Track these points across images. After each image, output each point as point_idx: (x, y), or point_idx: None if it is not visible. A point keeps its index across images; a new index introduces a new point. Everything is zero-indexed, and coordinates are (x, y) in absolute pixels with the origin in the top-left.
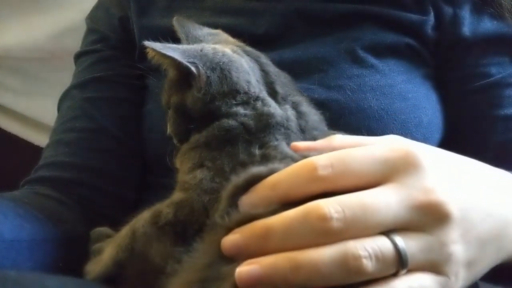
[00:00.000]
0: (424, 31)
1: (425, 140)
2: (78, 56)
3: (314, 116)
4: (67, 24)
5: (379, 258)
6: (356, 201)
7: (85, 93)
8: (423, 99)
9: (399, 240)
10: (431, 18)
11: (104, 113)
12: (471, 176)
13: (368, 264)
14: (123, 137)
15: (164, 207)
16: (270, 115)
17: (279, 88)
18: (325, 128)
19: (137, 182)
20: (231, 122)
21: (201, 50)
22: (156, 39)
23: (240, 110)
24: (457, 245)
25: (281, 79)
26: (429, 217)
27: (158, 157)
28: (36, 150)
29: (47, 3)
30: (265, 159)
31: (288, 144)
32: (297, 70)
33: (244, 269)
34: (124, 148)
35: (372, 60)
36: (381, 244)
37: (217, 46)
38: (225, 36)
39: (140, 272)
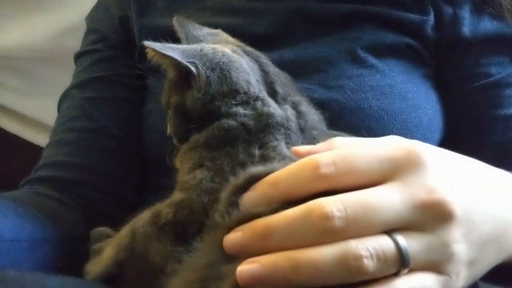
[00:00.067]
0: (424, 31)
1: (425, 140)
2: (78, 56)
3: (313, 115)
4: (67, 24)
5: (380, 258)
6: (358, 200)
7: (85, 93)
8: (423, 99)
9: (401, 239)
10: (431, 18)
11: (104, 113)
12: (472, 176)
13: (369, 264)
14: (123, 137)
15: (164, 207)
16: (270, 115)
17: (279, 88)
18: (325, 128)
19: (137, 182)
20: (231, 122)
21: (201, 50)
22: (156, 39)
23: (240, 110)
24: (459, 245)
25: (281, 79)
26: (432, 216)
27: (158, 157)
28: (36, 150)
29: (47, 3)
30: (264, 159)
31: (288, 144)
32: (297, 70)
33: (245, 268)
34: (124, 148)
35: (372, 60)
36: (383, 244)
37: (217, 46)
38: (225, 36)
39: (140, 272)
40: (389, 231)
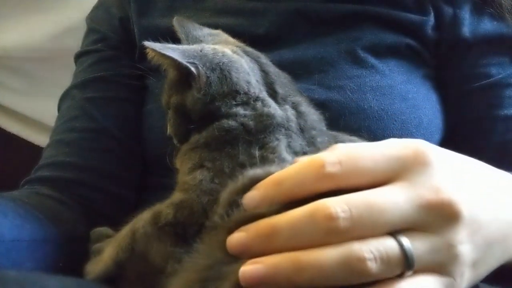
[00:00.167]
0: (424, 32)
1: (425, 140)
2: (78, 56)
3: (313, 115)
4: (67, 24)
5: (384, 260)
6: (364, 200)
7: (85, 93)
8: (423, 100)
9: (406, 241)
10: (431, 19)
11: (104, 113)
12: (475, 176)
13: (373, 266)
14: (123, 137)
15: (164, 208)
16: (270, 116)
17: (279, 89)
18: (324, 128)
19: (137, 182)
20: (231, 123)
21: (201, 51)
22: (156, 39)
23: (240, 110)
24: (464, 246)
25: (281, 79)
26: (438, 217)
27: (158, 157)
28: (36, 150)
29: (47, 3)
30: (264, 160)
31: (289, 144)
32: (297, 71)
33: (248, 268)
34: (124, 148)
35: (372, 60)
36: (387, 246)
37: (217, 47)
38: (225, 36)
39: (140, 272)
40: (394, 232)
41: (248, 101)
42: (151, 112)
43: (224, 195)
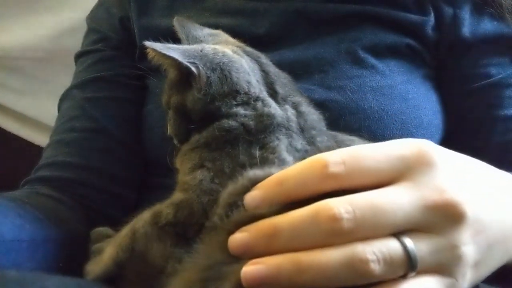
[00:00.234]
0: (424, 32)
1: None
2: (78, 56)
3: (313, 115)
4: (67, 24)
5: (387, 262)
6: (368, 201)
7: (85, 93)
8: (423, 100)
9: (410, 242)
10: (431, 19)
11: (105, 113)
12: (477, 176)
13: (376, 268)
14: (123, 137)
15: (164, 208)
16: (270, 116)
17: (279, 89)
18: (324, 128)
19: (137, 182)
20: (231, 123)
21: (201, 51)
22: (156, 39)
23: (240, 110)
24: (467, 247)
25: (281, 79)
26: (443, 218)
27: (158, 157)
28: (36, 150)
29: (47, 3)
30: (264, 160)
31: (290, 143)
32: (297, 71)
33: (250, 268)
34: (125, 148)
35: (372, 60)
36: (391, 247)
37: (218, 47)
38: (225, 36)
39: (140, 272)
40: (398, 233)
41: (249, 101)
42: (151, 112)
43: (224, 196)
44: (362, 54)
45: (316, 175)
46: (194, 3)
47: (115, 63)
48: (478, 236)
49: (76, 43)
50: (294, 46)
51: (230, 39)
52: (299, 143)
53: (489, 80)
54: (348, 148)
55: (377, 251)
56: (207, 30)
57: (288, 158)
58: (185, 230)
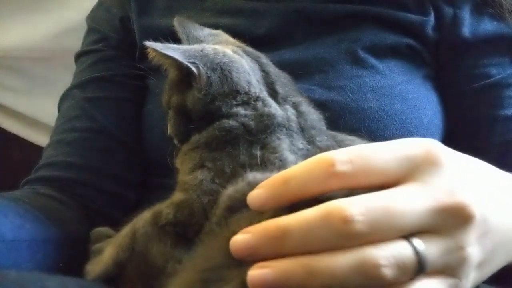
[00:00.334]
0: (424, 32)
1: None
2: (78, 56)
3: (313, 115)
4: (67, 24)
5: (399, 266)
6: (380, 203)
7: (85, 93)
8: (423, 100)
9: (421, 246)
10: (431, 19)
11: (105, 113)
12: (480, 176)
13: (388, 273)
14: (123, 137)
15: (165, 208)
16: (270, 116)
17: (279, 89)
18: (324, 127)
19: (138, 182)
20: (232, 123)
21: (201, 51)
22: (156, 39)
23: (241, 110)
24: (473, 248)
25: (281, 79)
26: (452, 219)
27: (158, 157)
28: (36, 150)
29: (47, 3)
30: (265, 160)
31: (291, 143)
32: (297, 71)
33: (256, 272)
34: (125, 148)
35: (372, 60)
36: (402, 251)
37: (218, 47)
38: (225, 36)
39: (141, 272)
40: (409, 236)
41: (249, 101)
42: (152, 112)
43: (224, 198)
44: (362, 54)
45: (322, 174)
46: (194, 3)
47: (115, 63)
48: (483, 237)
49: (76, 43)
50: (294, 46)
51: (230, 39)
52: (300, 142)
53: (489, 80)
54: (355, 146)
55: (390, 256)
56: (207, 30)
57: (290, 157)
58: (185, 230)
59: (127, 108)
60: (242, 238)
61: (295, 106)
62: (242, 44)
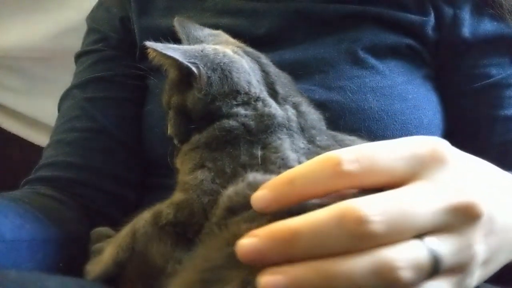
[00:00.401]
0: (424, 32)
1: None
2: (78, 56)
3: (313, 115)
4: (67, 24)
5: (415, 268)
6: (394, 202)
7: (85, 93)
8: (423, 100)
9: (436, 245)
10: (431, 19)
11: (105, 113)
12: (483, 175)
13: (405, 275)
14: (123, 137)
15: (165, 208)
16: (271, 116)
17: (279, 89)
18: (324, 127)
19: (138, 182)
20: (232, 123)
21: (202, 51)
22: (156, 39)
23: (241, 110)
24: (480, 245)
25: (282, 79)
26: (462, 218)
27: (159, 157)
28: (36, 150)
29: (47, 3)
30: (266, 160)
31: (293, 142)
32: (297, 71)
33: (267, 279)
34: (125, 148)
35: (372, 61)
36: (418, 252)
37: (218, 47)
38: (225, 37)
39: (141, 272)
40: (423, 236)
41: (249, 101)
42: (152, 112)
43: (224, 199)
44: (362, 54)
45: (329, 173)
46: (194, 4)
47: (115, 63)
48: (489, 235)
49: (76, 43)
50: (294, 46)
51: (231, 39)
52: (301, 142)
53: (489, 80)
54: (360, 145)
55: (406, 257)
56: (207, 31)
57: (292, 155)
58: (185, 230)
59: (127, 108)
60: (249, 242)
61: (295, 106)
62: (242, 45)
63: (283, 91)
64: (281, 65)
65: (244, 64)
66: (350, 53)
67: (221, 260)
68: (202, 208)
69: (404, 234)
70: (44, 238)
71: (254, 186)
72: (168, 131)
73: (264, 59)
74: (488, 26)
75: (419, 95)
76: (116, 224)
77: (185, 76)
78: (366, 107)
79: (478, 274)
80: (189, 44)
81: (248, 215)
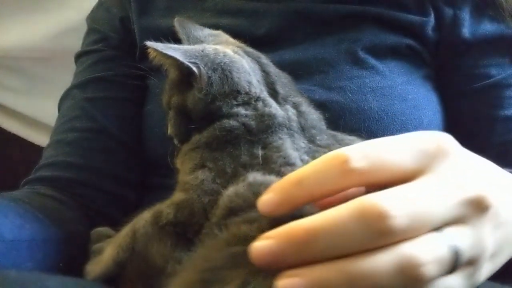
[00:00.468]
0: (424, 32)
1: None
2: (78, 56)
3: (313, 115)
4: (67, 24)
5: (437, 263)
6: (412, 196)
7: (85, 93)
8: (423, 100)
9: (455, 239)
10: (431, 19)
11: (105, 113)
12: (485, 174)
13: (429, 270)
14: (123, 137)
15: (165, 208)
16: (271, 116)
17: (279, 89)
18: (324, 127)
19: (138, 182)
20: (232, 123)
21: (202, 51)
22: (156, 39)
23: (241, 110)
24: (490, 238)
25: (282, 79)
26: (474, 210)
27: (159, 157)
28: (36, 150)
29: (47, 3)
30: (267, 160)
31: (294, 142)
32: (297, 71)
33: (286, 283)
34: (125, 148)
35: (372, 61)
36: (439, 247)
37: (218, 47)
38: (225, 37)
39: (141, 272)
40: (441, 229)
41: (249, 101)
42: (152, 112)
43: (224, 199)
44: (362, 54)
45: (337, 172)
46: (194, 4)
47: (115, 63)
48: (496, 228)
49: (76, 43)
50: (294, 46)
51: (231, 39)
52: (301, 142)
53: (489, 80)
54: (366, 142)
55: (429, 252)
56: (207, 31)
57: (294, 154)
58: (186, 230)
59: (127, 108)
60: (263, 245)
61: (296, 106)
62: (242, 45)
63: (283, 91)
64: (281, 65)
65: (245, 64)
66: (350, 53)
67: (221, 260)
68: (202, 208)
69: (423, 228)
70: (44, 238)
71: (254, 187)
72: (168, 131)
73: (264, 59)
74: (488, 27)
75: (419, 95)
76: (116, 224)
77: (186, 76)
78: (366, 107)
79: (487, 267)
80: (190, 44)
81: (249, 216)
